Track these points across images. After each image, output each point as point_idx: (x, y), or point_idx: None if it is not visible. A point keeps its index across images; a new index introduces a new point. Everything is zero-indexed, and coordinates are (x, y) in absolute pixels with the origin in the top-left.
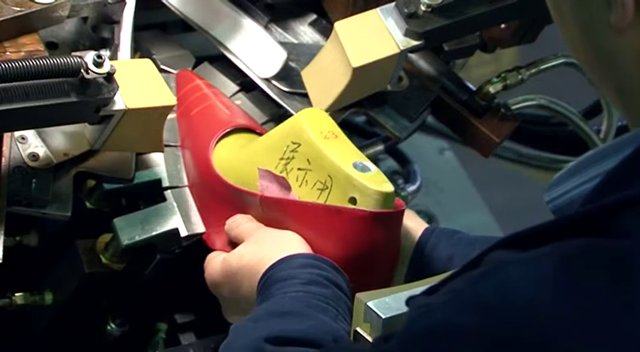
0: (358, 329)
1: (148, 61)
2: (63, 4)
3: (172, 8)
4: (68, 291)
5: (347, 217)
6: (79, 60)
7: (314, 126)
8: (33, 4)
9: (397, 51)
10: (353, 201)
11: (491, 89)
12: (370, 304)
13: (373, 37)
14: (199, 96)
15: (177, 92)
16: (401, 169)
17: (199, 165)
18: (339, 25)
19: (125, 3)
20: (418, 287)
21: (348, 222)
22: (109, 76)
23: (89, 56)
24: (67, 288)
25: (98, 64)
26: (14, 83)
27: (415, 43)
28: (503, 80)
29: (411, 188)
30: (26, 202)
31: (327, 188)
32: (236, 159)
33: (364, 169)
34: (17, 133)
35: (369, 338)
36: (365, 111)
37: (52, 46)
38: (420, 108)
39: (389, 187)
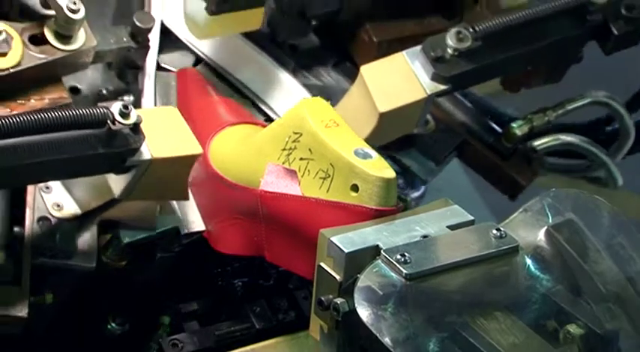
0: (322, 264)
1: (173, 108)
2: (87, 50)
3: (197, 51)
4: (68, 290)
5: (350, 213)
6: (105, 111)
7: (315, 116)
8: (57, 51)
9: (424, 96)
10: (355, 188)
11: (518, 132)
12: (334, 239)
13: (399, 82)
14: (200, 93)
15: (178, 90)
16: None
17: (198, 161)
18: (365, 69)
19: (148, 48)
20: (381, 224)
21: (351, 218)
22: (136, 127)
23: (115, 107)
24: (67, 287)
25: (125, 115)
26: (40, 136)
27: (442, 87)
28: (529, 122)
29: (415, 194)
30: (50, 253)
31: (329, 176)
32: (237, 153)
33: (365, 156)
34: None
35: (332, 272)
36: (391, 154)
37: (74, 91)
38: (446, 151)
39: (390, 173)
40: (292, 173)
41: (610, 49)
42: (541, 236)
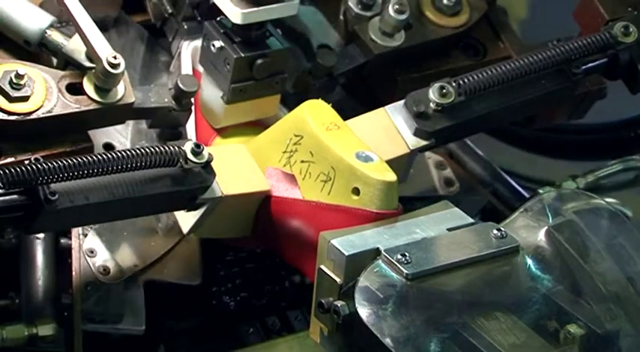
0: (322, 266)
1: (241, 146)
2: (123, 105)
3: None
4: None
5: (351, 216)
6: (177, 149)
7: (316, 118)
8: (92, 102)
9: (407, 151)
10: (356, 191)
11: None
12: (334, 242)
13: (382, 137)
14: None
15: None
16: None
17: None
18: (349, 124)
19: (190, 111)
20: (382, 227)
21: (352, 221)
22: (207, 165)
23: (187, 145)
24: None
25: (196, 154)
26: (115, 175)
27: (425, 142)
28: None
29: None
30: (100, 319)
31: (331, 179)
32: None
33: (367, 159)
34: (85, 246)
35: (333, 275)
36: None
37: (107, 147)
38: (471, 213)
39: (392, 176)
40: (292, 176)
41: (637, 89)
42: (541, 236)
